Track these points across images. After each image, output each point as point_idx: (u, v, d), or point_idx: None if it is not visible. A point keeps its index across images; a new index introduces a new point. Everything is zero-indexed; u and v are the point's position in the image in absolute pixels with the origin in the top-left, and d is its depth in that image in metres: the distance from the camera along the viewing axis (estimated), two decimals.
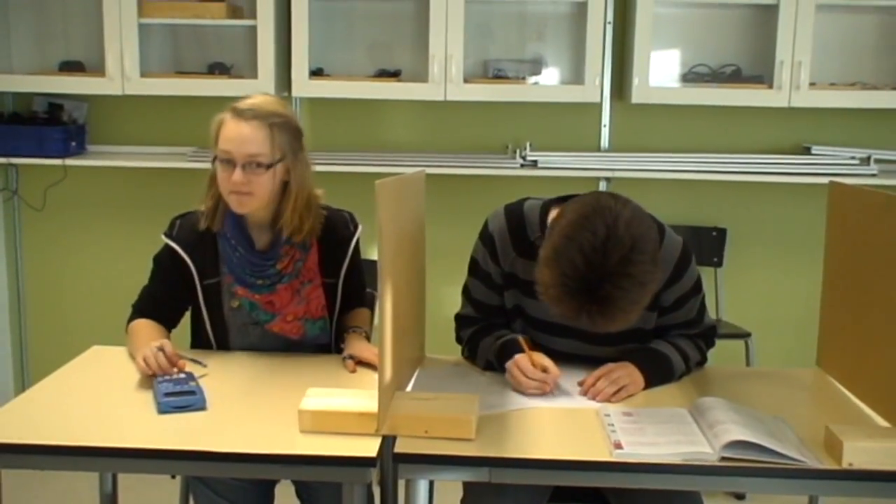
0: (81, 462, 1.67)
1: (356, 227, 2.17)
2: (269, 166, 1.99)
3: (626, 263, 1.61)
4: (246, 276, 2.09)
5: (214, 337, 2.14)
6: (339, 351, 2.13)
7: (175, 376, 1.86)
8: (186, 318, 2.22)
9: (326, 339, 2.18)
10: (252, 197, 2.00)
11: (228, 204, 2.03)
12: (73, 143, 3.47)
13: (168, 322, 2.16)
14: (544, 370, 1.89)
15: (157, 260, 2.17)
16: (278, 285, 2.10)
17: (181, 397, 1.77)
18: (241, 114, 1.99)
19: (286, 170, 2.03)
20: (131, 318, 2.15)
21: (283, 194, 2.05)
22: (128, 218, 3.65)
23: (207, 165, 3.32)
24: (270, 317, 2.11)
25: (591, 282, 1.61)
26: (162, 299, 2.15)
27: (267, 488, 2.16)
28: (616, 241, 1.61)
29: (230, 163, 1.98)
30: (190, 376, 1.87)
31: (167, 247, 2.12)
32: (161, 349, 1.91)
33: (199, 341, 2.18)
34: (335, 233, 2.14)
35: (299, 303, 2.11)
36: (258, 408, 1.80)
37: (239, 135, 1.98)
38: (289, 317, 2.11)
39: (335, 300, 2.16)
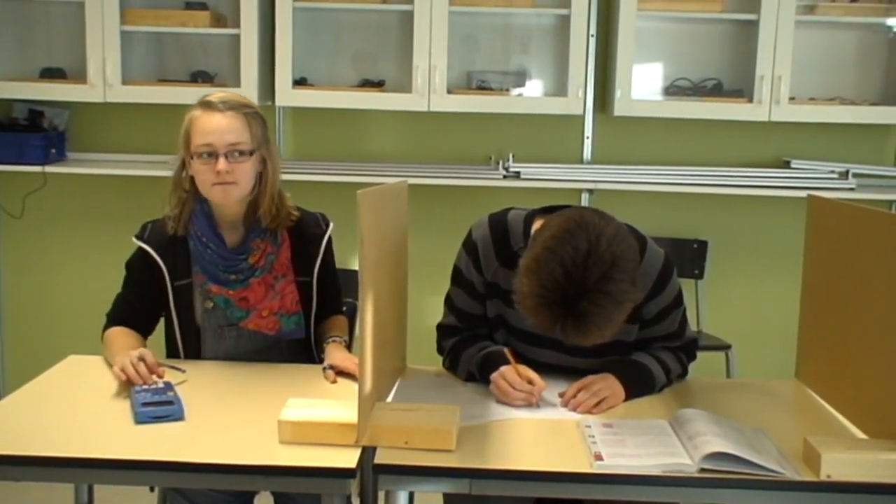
0: (57, 473, 1.64)
1: (327, 225, 2.20)
2: (251, 153, 2.04)
3: (605, 281, 1.62)
4: (219, 273, 2.09)
5: (183, 343, 2.13)
6: (319, 352, 2.14)
7: (153, 386, 1.84)
8: (161, 329, 2.21)
9: (301, 334, 2.17)
10: (236, 186, 2.04)
11: (211, 199, 2.06)
12: (54, 151, 3.45)
13: (143, 329, 2.16)
14: (530, 382, 1.89)
15: (129, 265, 2.18)
16: (251, 279, 2.10)
17: (159, 407, 1.75)
18: (212, 106, 2.04)
19: (261, 158, 2.08)
20: (106, 327, 2.15)
21: (256, 186, 2.09)
22: (107, 226, 3.62)
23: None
24: (245, 313, 2.11)
25: (569, 296, 1.62)
26: (136, 305, 2.15)
27: (246, 500, 2.14)
28: (597, 258, 1.62)
29: (211, 155, 2.00)
30: (168, 386, 1.85)
31: (139, 250, 2.14)
32: (142, 359, 1.89)
33: (171, 353, 2.17)
34: (306, 230, 2.17)
35: (273, 297, 2.12)
36: (237, 418, 1.79)
37: (217, 126, 2.01)
38: (264, 312, 2.11)
39: (310, 299, 2.17)
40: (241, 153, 2.02)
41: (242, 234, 2.11)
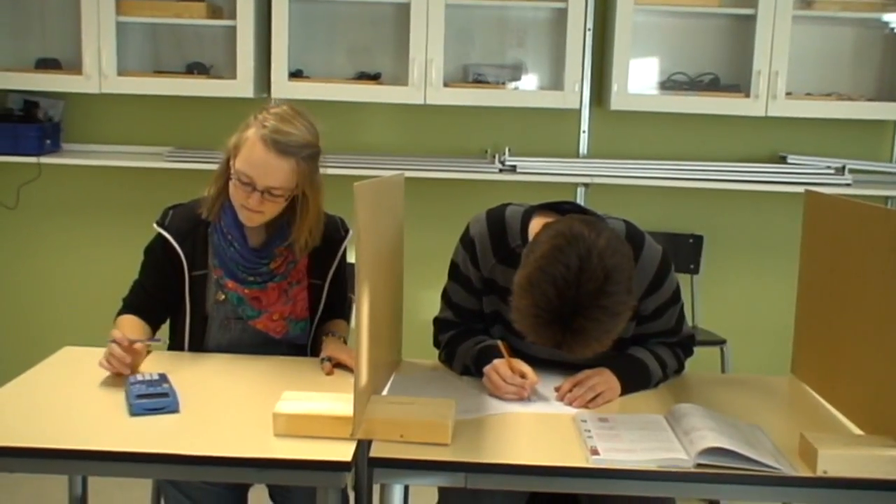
0: (51, 465, 1.64)
1: (346, 232, 2.20)
2: (286, 197, 2.02)
3: (600, 295, 1.62)
4: (238, 272, 2.10)
5: (191, 332, 2.14)
6: (316, 349, 2.14)
7: (148, 377, 1.84)
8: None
9: (304, 340, 2.19)
10: (262, 215, 2.03)
11: (238, 213, 2.05)
12: (48, 142, 3.43)
13: (157, 316, 2.16)
14: (522, 376, 1.88)
15: (148, 251, 2.18)
16: (269, 283, 2.11)
17: (154, 399, 1.75)
18: (270, 144, 1.96)
19: (300, 191, 2.04)
20: (120, 312, 2.15)
21: (290, 210, 2.07)
22: (102, 218, 3.61)
23: (184, 165, 3.34)
24: (256, 313, 2.12)
25: (565, 314, 1.62)
26: (152, 292, 2.15)
27: (241, 493, 2.14)
28: (589, 274, 1.62)
29: (249, 185, 1.98)
30: (163, 378, 1.84)
31: (158, 236, 2.13)
32: (113, 341, 1.88)
33: (176, 338, 2.18)
34: (327, 236, 2.16)
35: (286, 302, 2.13)
36: (232, 410, 1.78)
37: (265, 166, 1.96)
38: (275, 315, 2.13)
39: (318, 301, 2.18)
40: (277, 196, 2.00)
41: (265, 238, 2.11)
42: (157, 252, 2.14)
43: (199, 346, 2.15)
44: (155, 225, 2.13)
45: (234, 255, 2.09)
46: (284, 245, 2.10)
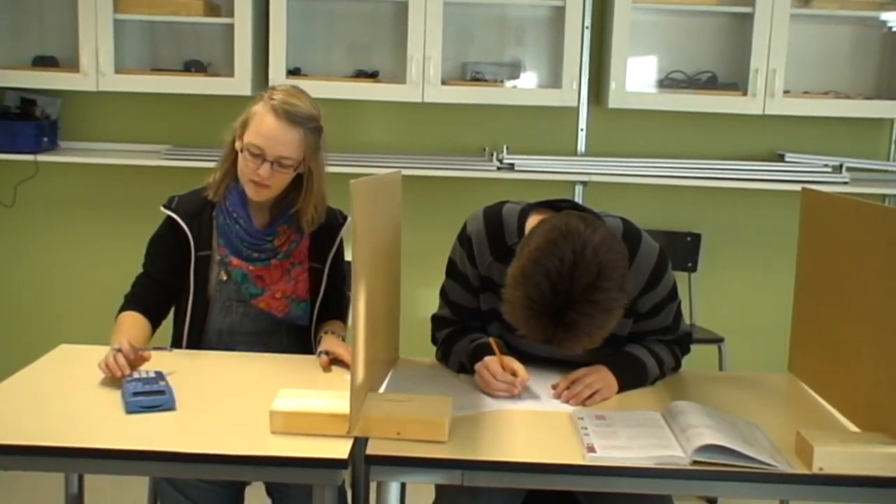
0: (47, 462, 1.64)
1: (345, 219, 2.27)
2: (295, 168, 2.08)
3: (592, 290, 1.62)
4: (243, 248, 2.16)
5: (192, 317, 2.16)
6: (316, 346, 2.14)
7: (144, 375, 1.83)
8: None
9: (306, 321, 2.22)
10: (270, 189, 2.10)
11: (245, 189, 2.11)
12: (46, 139, 3.43)
13: (160, 308, 2.19)
14: (514, 374, 1.88)
15: (154, 239, 2.21)
16: (273, 260, 2.17)
17: (150, 397, 1.75)
18: (280, 114, 2.05)
19: (306, 167, 2.12)
20: (121, 309, 2.16)
21: (295, 187, 2.14)
22: (100, 216, 3.61)
23: (181, 163, 3.34)
24: (260, 291, 2.16)
25: (557, 308, 1.62)
26: (158, 278, 2.18)
27: (237, 490, 2.14)
28: (583, 269, 1.62)
29: (259, 157, 2.04)
30: (159, 375, 1.84)
31: (166, 220, 2.18)
32: (119, 350, 1.89)
33: (177, 323, 2.20)
34: (327, 222, 2.23)
35: (288, 281, 2.18)
36: (229, 408, 1.78)
37: (275, 135, 2.04)
38: (277, 293, 2.17)
39: (319, 285, 2.22)
40: (286, 166, 2.06)
41: (268, 218, 2.17)
42: (164, 235, 2.18)
43: (200, 330, 2.17)
44: (162, 208, 2.18)
45: (240, 232, 2.14)
46: (288, 217, 2.15)
